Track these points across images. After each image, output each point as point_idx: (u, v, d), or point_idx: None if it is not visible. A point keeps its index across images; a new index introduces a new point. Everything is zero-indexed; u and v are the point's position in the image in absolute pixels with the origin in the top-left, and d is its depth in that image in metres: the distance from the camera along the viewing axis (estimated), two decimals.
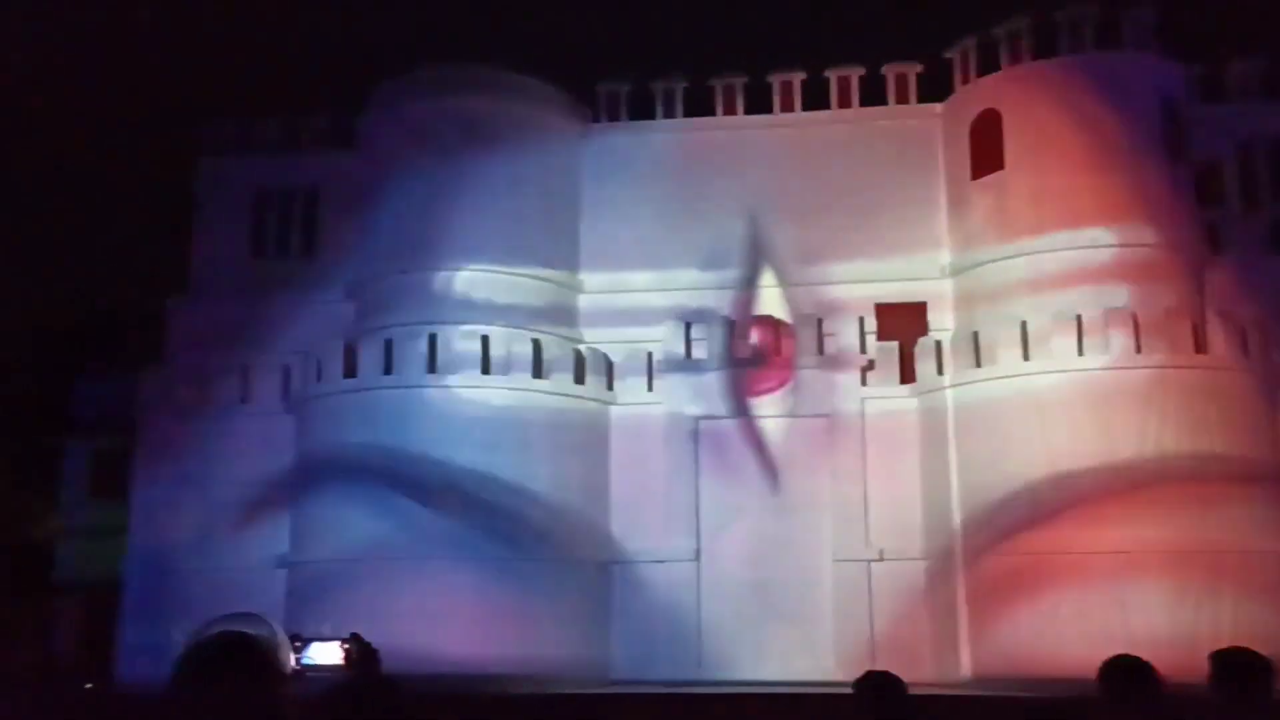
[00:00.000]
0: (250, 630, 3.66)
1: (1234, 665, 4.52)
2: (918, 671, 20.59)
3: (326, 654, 15.61)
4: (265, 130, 27.74)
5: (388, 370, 23.24)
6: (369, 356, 23.45)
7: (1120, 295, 22.20)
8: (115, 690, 22.51)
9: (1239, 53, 25.62)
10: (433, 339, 23.25)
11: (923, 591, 22.86)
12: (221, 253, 27.02)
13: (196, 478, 24.66)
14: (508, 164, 24.88)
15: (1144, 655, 4.59)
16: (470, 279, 24.28)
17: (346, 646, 14.61)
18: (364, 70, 26.71)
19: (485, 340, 23.27)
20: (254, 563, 23.73)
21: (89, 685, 23.05)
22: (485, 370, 23.15)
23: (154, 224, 29.37)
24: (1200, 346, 21.59)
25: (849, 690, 5.09)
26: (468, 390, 22.97)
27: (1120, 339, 21.46)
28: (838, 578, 23.28)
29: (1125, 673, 4.49)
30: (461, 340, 23.20)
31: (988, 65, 24.83)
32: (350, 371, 23.60)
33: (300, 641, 15.34)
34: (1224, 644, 4.89)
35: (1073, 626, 19.96)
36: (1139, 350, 21.41)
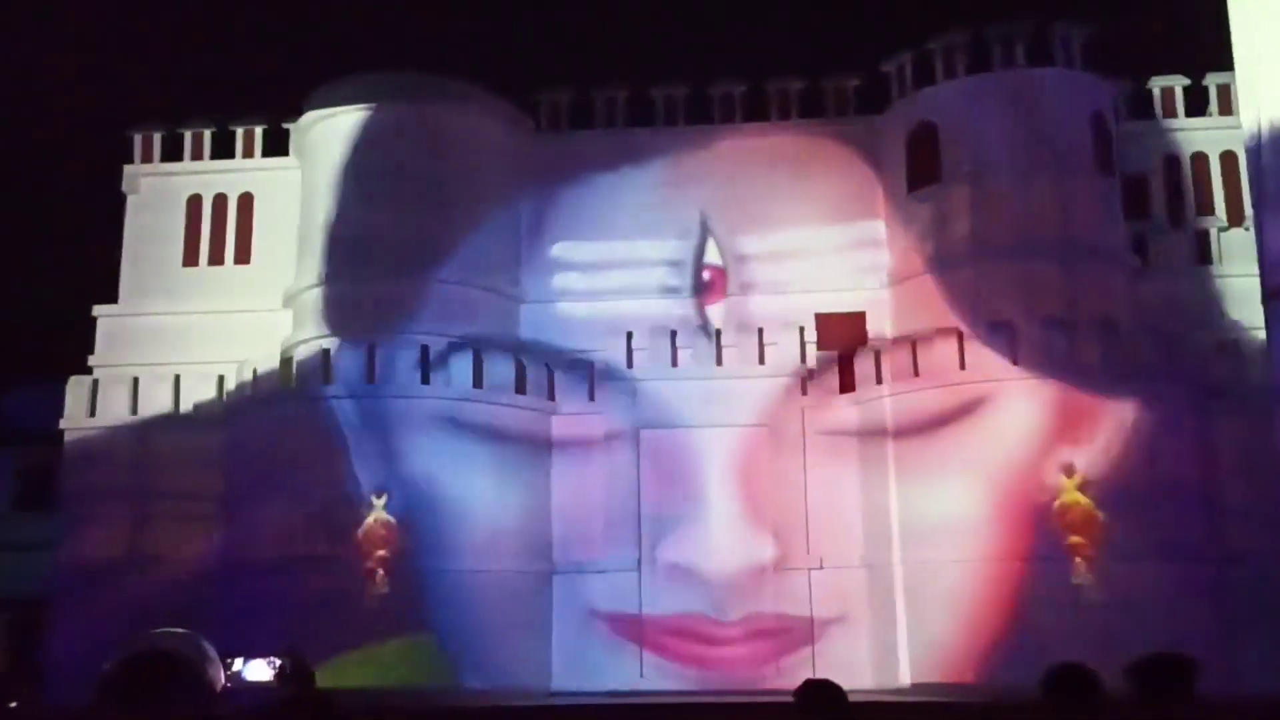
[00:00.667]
0: (178, 647, 3.56)
1: (1154, 670, 4.58)
2: (857, 679, 20.75)
3: (259, 671, 15.26)
4: (198, 136, 27.28)
5: (325, 380, 22.91)
6: (306, 366, 23.09)
7: (1054, 306, 22.61)
8: (41, 709, 21.86)
9: (1164, 71, 26.32)
10: (371, 348, 22.97)
11: (862, 599, 23.03)
12: (152, 261, 26.49)
13: (125, 489, 24.08)
14: (446, 172, 24.71)
15: (1079, 661, 4.65)
16: (409, 288, 24.04)
17: (280, 663, 14.32)
18: (300, 76, 26.37)
19: (425, 350, 23.05)
20: (185, 577, 23.20)
21: (13, 704, 22.35)
22: (425, 380, 22.91)
23: (82, 231, 28.65)
24: (1130, 358, 22.05)
25: (790, 699, 5.09)
26: (407, 400, 22.71)
27: (1054, 349, 21.84)
28: (779, 586, 23.36)
29: (1068, 680, 4.55)
30: (400, 350, 22.95)
31: (924, 79, 25.22)
32: (286, 381, 23.22)
33: (231, 658, 15.00)
34: (1156, 649, 4.97)
35: (1010, 633, 20.23)
36: (1071, 361, 21.82)
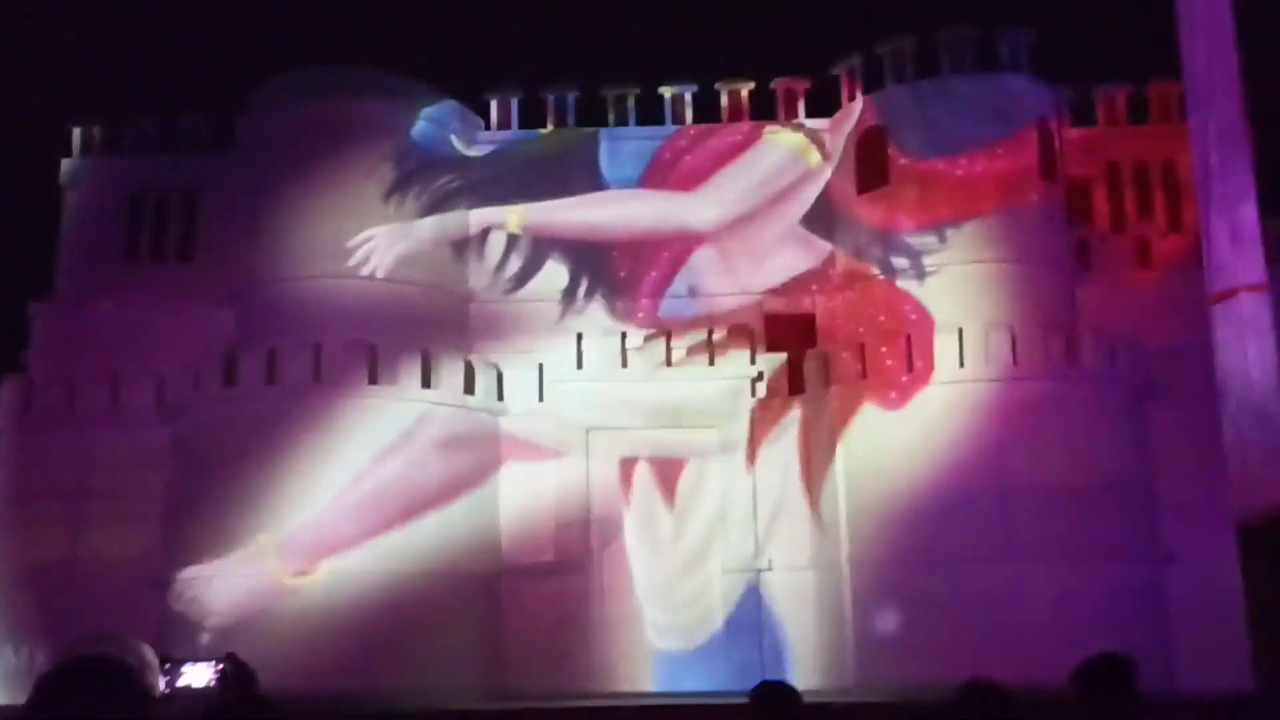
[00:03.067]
0: (114, 652, 3.43)
1: (1098, 670, 4.60)
2: (806, 679, 20.84)
3: (200, 675, 14.97)
4: (140, 130, 26.71)
5: (270, 380, 22.53)
6: (250, 366, 22.70)
7: (998, 309, 22.89)
8: None
9: (1108, 79, 26.78)
10: (318, 348, 22.63)
11: (810, 600, 23.14)
12: (91, 256, 25.90)
13: (63, 491, 23.51)
14: (394, 169, 24.43)
15: (1021, 660, 4.65)
16: (356, 287, 23.70)
17: (221, 667, 14.04)
18: (247, 71, 25.97)
19: (372, 350, 22.76)
20: (125, 581, 22.71)
21: None
22: (372, 380, 22.62)
23: (16, 226, 27.97)
24: (1072, 360, 22.40)
25: (743, 700, 5.05)
26: (354, 400, 22.41)
27: (999, 353, 22.12)
28: (728, 587, 23.41)
29: (980, 696, 4.54)
30: (347, 350, 22.64)
31: (873, 83, 25.41)
32: (230, 381, 22.80)
33: (171, 663, 14.68)
34: (1101, 649, 4.98)
35: (955, 631, 20.43)
36: (1015, 363, 22.11)
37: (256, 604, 20.94)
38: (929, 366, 22.32)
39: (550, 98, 26.67)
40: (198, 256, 25.94)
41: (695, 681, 22.28)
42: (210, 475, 22.34)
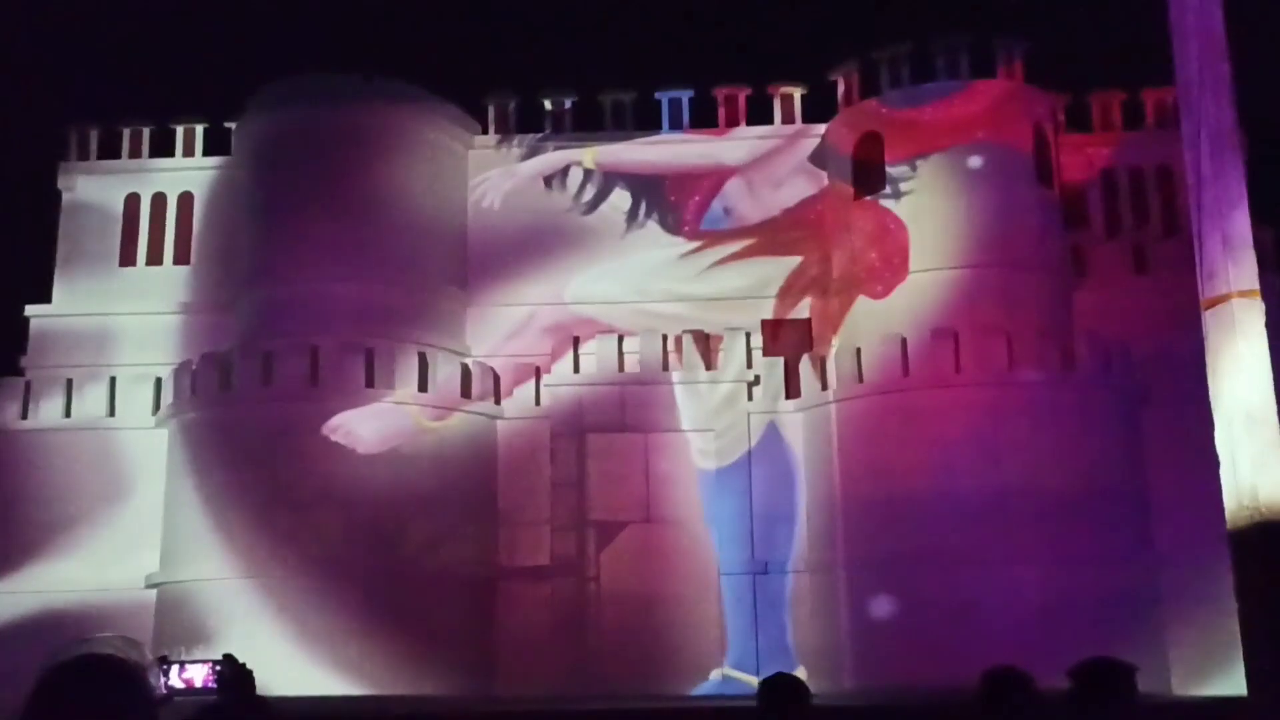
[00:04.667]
0: (116, 651, 3.46)
1: (1095, 674, 4.63)
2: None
3: (195, 676, 14.99)
4: (137, 134, 26.75)
5: (266, 383, 22.55)
6: (247, 369, 22.72)
7: (994, 314, 22.96)
8: None
9: (1102, 84, 26.88)
10: (315, 351, 22.66)
11: (806, 604, 23.18)
12: (88, 260, 25.92)
13: (59, 495, 23.52)
14: (392, 174, 24.48)
15: (1017, 663, 4.70)
16: (353, 291, 23.73)
17: (217, 668, 14.05)
18: (243, 75, 26.01)
19: (369, 353, 22.79)
20: (121, 584, 22.73)
21: None
22: (369, 384, 22.65)
23: (14, 230, 27.98)
24: (1068, 365, 22.47)
25: (738, 704, 5.07)
26: (351, 404, 22.43)
27: (995, 357, 22.19)
28: (724, 591, 23.43)
29: (1004, 682, 4.59)
30: (343, 353, 22.67)
31: (869, 88, 25.50)
32: (227, 385, 22.82)
33: (167, 664, 14.69)
34: (1095, 652, 5.03)
35: (951, 636, 20.47)
36: (1011, 368, 22.18)
37: (252, 603, 20.94)
38: (924, 369, 22.37)
39: (547, 102, 26.76)
40: (195, 260, 25.96)
41: (687, 685, 22.28)
42: (206, 478, 22.36)
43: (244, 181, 25.36)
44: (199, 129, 26.82)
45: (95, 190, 26.30)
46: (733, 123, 26.55)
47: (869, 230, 24.64)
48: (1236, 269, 6.45)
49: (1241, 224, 6.56)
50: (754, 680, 20.57)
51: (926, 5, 29.79)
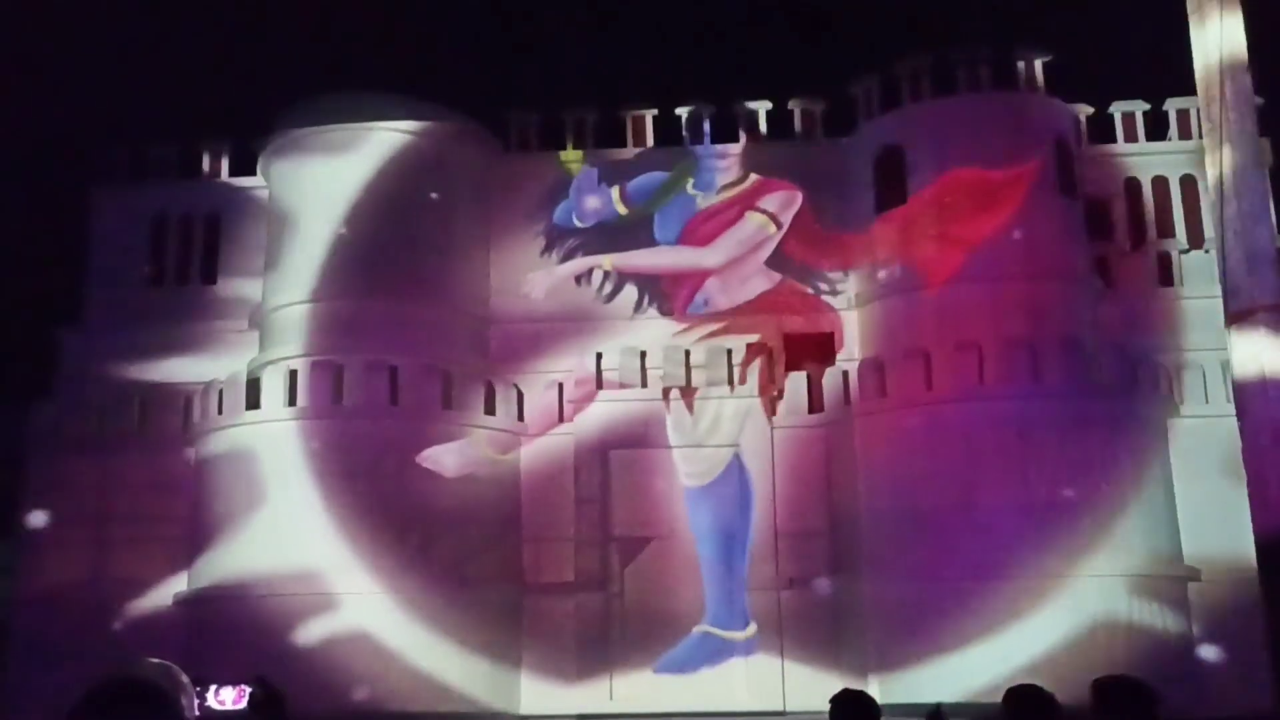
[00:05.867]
0: (150, 675, 3.51)
1: (1117, 693, 4.61)
2: (826, 700, 20.74)
3: (228, 698, 15.09)
4: (164, 156, 27.06)
5: (292, 401, 22.72)
6: (272, 387, 22.90)
7: (1018, 327, 22.83)
8: None
9: (1126, 96, 26.74)
10: (339, 369, 22.81)
11: (832, 619, 23.06)
12: (118, 281, 26.20)
13: (90, 514, 23.74)
14: (415, 192, 24.65)
15: (1045, 682, 4.69)
16: (377, 309, 23.88)
17: (250, 690, 14.14)
18: (268, 96, 26.26)
19: (394, 371, 22.92)
20: (152, 602, 22.90)
21: None
22: (394, 401, 22.78)
23: (44, 252, 28.33)
24: (1094, 377, 22.30)
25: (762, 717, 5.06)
26: (375, 421, 22.57)
27: (1019, 369, 22.05)
28: (749, 606, 23.36)
29: (1027, 701, 4.57)
30: (368, 372, 22.82)
31: (890, 102, 25.48)
32: (254, 403, 23.00)
33: (200, 685, 14.81)
34: (1121, 670, 5.00)
35: (978, 653, 20.31)
36: (1037, 380, 22.03)
37: (282, 625, 21.05)
38: (948, 383, 22.27)
39: (569, 118, 26.90)
40: (221, 279, 26.20)
41: (715, 701, 22.21)
42: (232, 497, 22.53)
43: (268, 201, 25.60)
44: (225, 150, 27.10)
45: (124, 211, 26.55)
46: (753, 139, 26.59)
47: (891, 244, 24.60)
48: (1260, 283, 6.42)
49: (1265, 239, 6.52)
50: (736, 636, 22.91)
51: (948, 18, 29.78)
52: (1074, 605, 20.68)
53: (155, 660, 3.90)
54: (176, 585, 23.19)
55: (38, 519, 24.06)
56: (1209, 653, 21.28)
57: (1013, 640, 20.22)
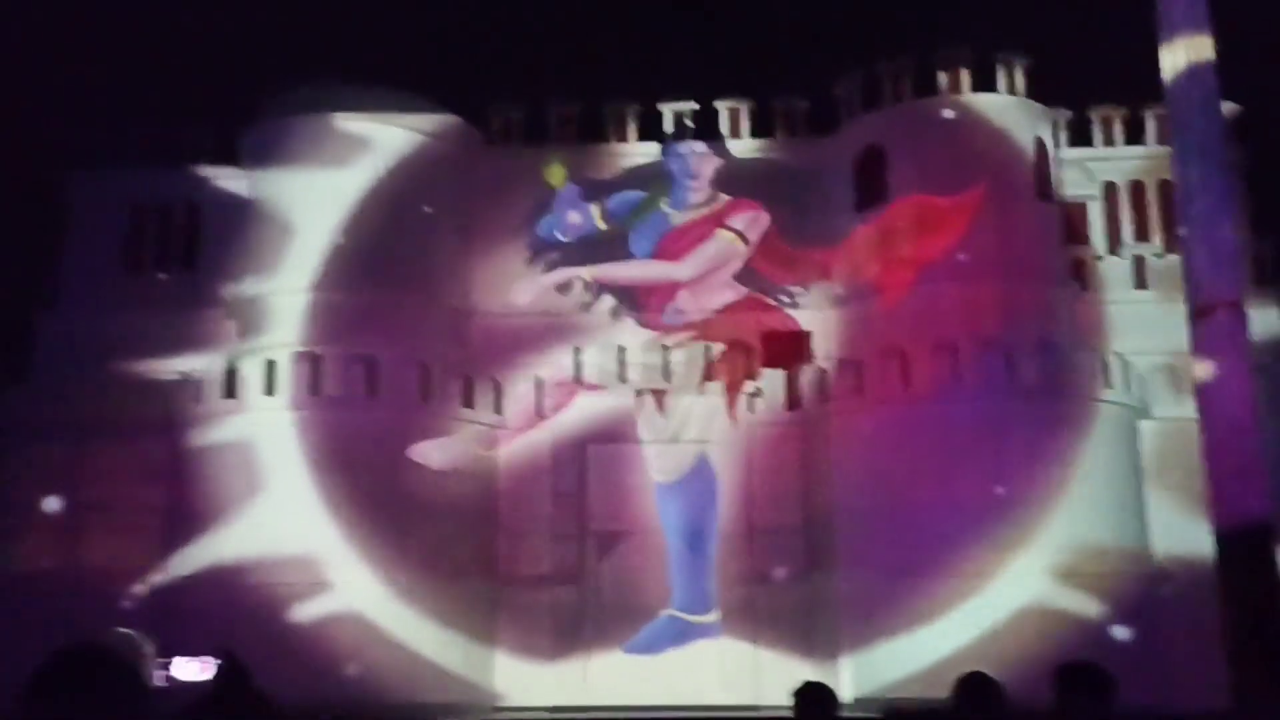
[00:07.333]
0: (112, 643, 3.54)
1: (1076, 678, 4.71)
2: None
3: (194, 669, 15.07)
4: (143, 141, 26.87)
5: (269, 391, 22.67)
6: (250, 377, 22.84)
7: (994, 327, 23.01)
8: None
9: (1104, 100, 26.95)
10: (316, 359, 22.77)
11: (805, 614, 23.21)
12: (94, 267, 26.02)
13: (62, 500, 23.61)
14: (396, 184, 24.61)
15: (1017, 675, 4.80)
16: (356, 299, 23.84)
17: (216, 662, 14.16)
18: (249, 85, 26.13)
19: (371, 363, 22.90)
20: (126, 590, 22.80)
21: None
22: (371, 392, 22.76)
23: (20, 235, 28.09)
24: (1068, 378, 22.51)
25: (734, 714, 5.15)
26: (352, 412, 22.55)
27: (994, 370, 22.25)
28: (724, 600, 23.51)
29: (974, 687, 4.69)
30: (347, 363, 22.78)
31: (872, 102, 25.62)
32: (230, 391, 22.94)
33: (165, 658, 14.79)
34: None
35: (948, 647, 20.50)
36: (1010, 381, 22.22)
37: (256, 613, 21.01)
38: (924, 383, 22.44)
39: (551, 112, 26.94)
40: (200, 266, 26.07)
41: (686, 694, 22.33)
42: (210, 485, 22.47)
43: (248, 189, 25.49)
44: (204, 136, 26.95)
45: (102, 197, 26.38)
46: (735, 136, 26.70)
47: (870, 244, 24.76)
48: (1223, 279, 6.53)
49: (1228, 235, 6.64)
50: (699, 620, 23.65)
51: (929, 20, 29.97)
52: (1050, 602, 20.91)
53: (120, 629, 3.95)
54: (153, 573, 23.09)
55: (10, 505, 23.89)
56: (1181, 649, 21.45)
57: (986, 635, 20.43)
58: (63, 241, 26.55)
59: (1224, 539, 6.42)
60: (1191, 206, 6.73)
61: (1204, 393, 6.69)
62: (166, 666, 13.71)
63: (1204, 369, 6.74)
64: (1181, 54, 6.89)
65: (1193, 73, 6.84)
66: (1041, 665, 4.93)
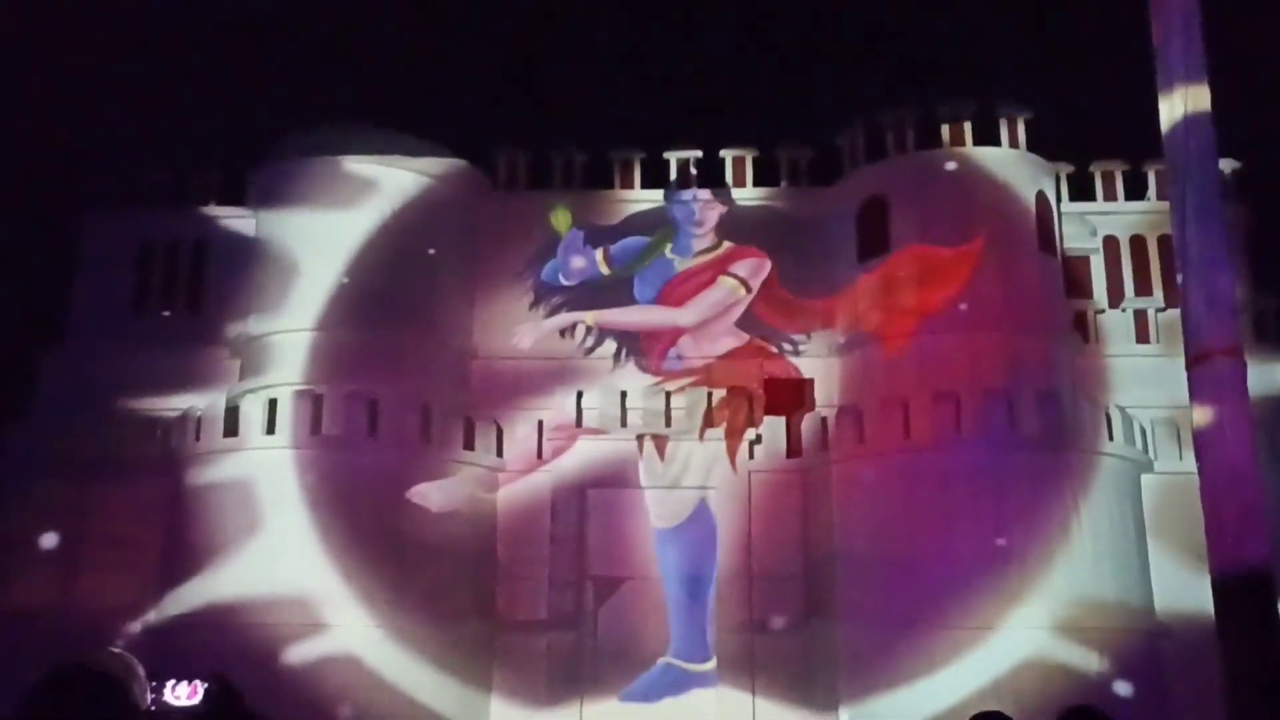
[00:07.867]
0: (104, 663, 3.55)
1: (1080, 718, 4.70)
2: None
3: (184, 693, 14.97)
4: (152, 182, 27.13)
5: (270, 429, 22.68)
6: (251, 415, 22.86)
7: (996, 379, 23.04)
8: None
9: (1105, 155, 27.18)
10: (317, 398, 22.80)
11: (804, 663, 23.02)
12: (102, 305, 26.15)
13: (61, 538, 23.53)
14: (400, 226, 24.80)
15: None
16: (359, 339, 23.92)
17: (207, 685, 14.05)
18: (257, 126, 26.43)
19: (373, 403, 22.93)
20: (122, 627, 22.65)
21: None
22: (372, 432, 22.77)
23: (28, 273, 28.25)
24: (1070, 431, 22.50)
25: None
26: (352, 452, 22.53)
27: (996, 421, 22.25)
28: (722, 648, 23.33)
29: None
30: (348, 402, 22.82)
31: (875, 152, 25.88)
32: (231, 429, 22.94)
33: (157, 680, 14.68)
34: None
35: (948, 699, 20.30)
36: (1012, 432, 22.21)
37: (250, 652, 20.85)
38: (925, 433, 22.42)
39: (557, 159, 27.21)
40: (205, 305, 26.18)
41: None
42: (209, 524, 22.40)
43: (254, 230, 25.68)
44: (213, 178, 27.20)
45: (110, 236, 26.57)
46: (739, 184, 26.94)
47: (872, 293, 24.88)
48: (1219, 327, 6.57)
49: (1225, 283, 6.69)
50: (697, 668, 23.26)
51: (932, 72, 30.32)
52: (1051, 655, 20.74)
53: (113, 649, 3.94)
54: (148, 612, 22.95)
55: (7, 541, 23.80)
56: (1181, 703, 21.25)
57: (983, 688, 20.24)
58: (71, 280, 26.69)
59: (1223, 587, 6.40)
60: (1188, 252, 6.80)
61: (1202, 439, 6.71)
62: (159, 690, 13.63)
63: (1202, 415, 6.77)
64: (1179, 104, 7.00)
65: (1190, 121, 6.95)
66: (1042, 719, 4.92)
